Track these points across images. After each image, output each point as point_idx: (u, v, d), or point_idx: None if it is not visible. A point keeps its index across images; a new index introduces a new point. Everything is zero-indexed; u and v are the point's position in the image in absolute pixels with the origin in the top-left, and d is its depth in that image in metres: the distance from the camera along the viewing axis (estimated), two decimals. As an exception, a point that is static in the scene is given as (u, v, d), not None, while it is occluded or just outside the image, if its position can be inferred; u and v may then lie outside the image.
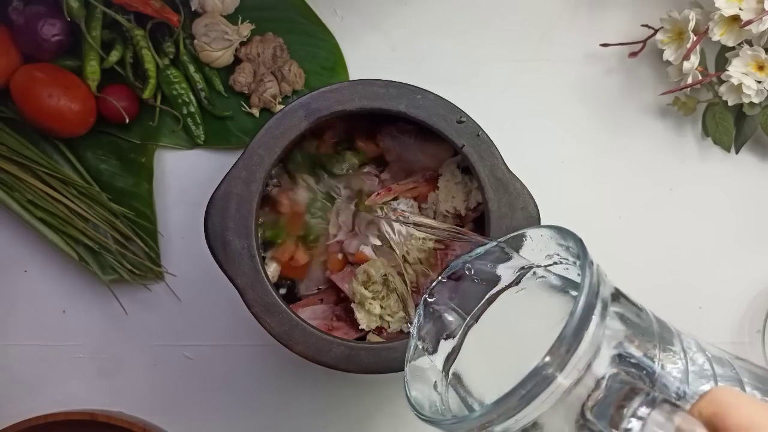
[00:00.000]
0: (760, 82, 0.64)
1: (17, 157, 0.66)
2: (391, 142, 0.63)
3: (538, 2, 0.69)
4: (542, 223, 0.59)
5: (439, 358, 0.46)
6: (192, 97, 0.68)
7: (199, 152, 0.69)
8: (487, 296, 0.46)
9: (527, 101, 0.69)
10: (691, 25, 0.63)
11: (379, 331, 0.62)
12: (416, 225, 0.53)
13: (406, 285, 0.54)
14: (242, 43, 0.68)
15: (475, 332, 0.46)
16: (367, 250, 0.63)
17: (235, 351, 0.69)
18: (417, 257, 0.60)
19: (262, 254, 0.63)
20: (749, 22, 0.62)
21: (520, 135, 0.68)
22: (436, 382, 0.46)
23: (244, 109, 0.68)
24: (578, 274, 0.39)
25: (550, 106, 0.69)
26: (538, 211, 0.58)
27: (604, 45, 0.68)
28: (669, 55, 0.66)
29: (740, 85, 0.64)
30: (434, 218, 0.63)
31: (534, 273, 0.46)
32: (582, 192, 0.69)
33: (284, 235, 0.63)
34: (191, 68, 0.68)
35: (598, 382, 0.37)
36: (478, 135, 0.58)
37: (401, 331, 0.61)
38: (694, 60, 0.64)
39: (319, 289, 0.65)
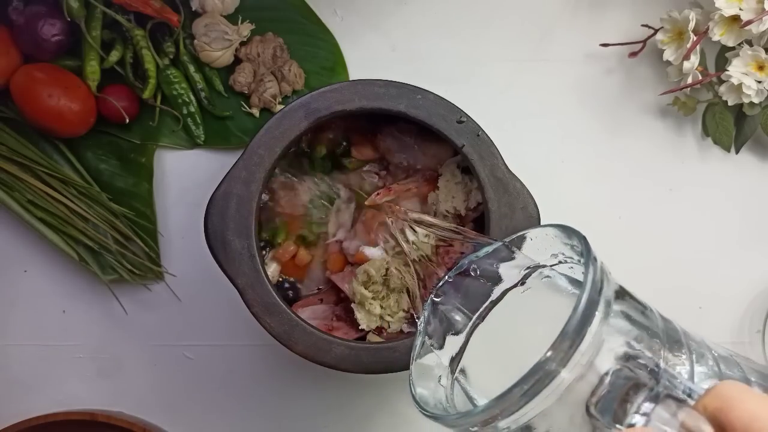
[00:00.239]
0: (760, 82, 0.64)
1: (17, 157, 0.66)
2: (392, 142, 0.64)
3: (538, 2, 0.69)
4: (543, 223, 0.59)
5: (445, 356, 0.46)
6: (192, 97, 0.68)
7: (199, 152, 0.69)
8: (493, 296, 0.46)
9: (527, 101, 0.69)
10: (691, 25, 0.63)
11: (379, 331, 0.62)
12: (417, 223, 0.53)
13: (416, 281, 0.54)
14: (242, 43, 0.68)
15: (481, 331, 0.46)
16: (367, 251, 0.63)
17: (235, 351, 0.69)
18: (422, 254, 0.59)
19: (263, 254, 0.63)
20: (749, 22, 0.62)
21: (520, 135, 0.68)
22: (442, 379, 0.45)
23: (244, 109, 0.68)
24: (583, 272, 0.39)
25: (550, 106, 0.69)
26: (538, 211, 0.58)
27: (604, 45, 0.68)
28: (669, 55, 0.66)
29: (740, 85, 0.64)
30: (434, 218, 0.63)
31: (539, 273, 0.46)
32: (582, 192, 0.69)
33: (284, 235, 0.63)
34: (191, 68, 0.68)
35: (601, 378, 0.37)
36: (478, 135, 0.58)
37: (401, 331, 0.61)
38: (694, 60, 0.64)
39: (319, 289, 0.65)
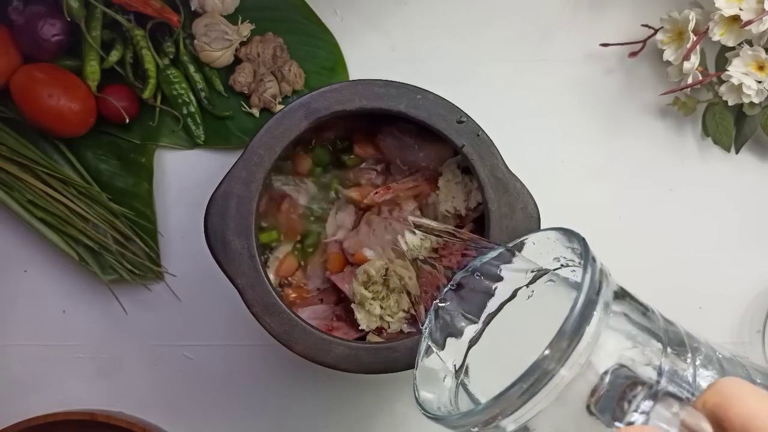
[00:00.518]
0: (760, 82, 0.64)
1: (17, 157, 0.66)
2: (392, 142, 0.63)
3: (538, 2, 0.69)
4: (543, 224, 0.59)
5: (450, 361, 0.46)
6: (192, 97, 0.68)
7: (199, 152, 0.69)
8: (497, 301, 0.47)
9: (527, 101, 0.69)
10: (691, 25, 0.63)
11: (379, 331, 0.62)
12: (418, 226, 0.53)
13: (419, 285, 0.54)
14: (242, 43, 0.68)
15: (485, 336, 0.46)
16: (368, 252, 0.63)
17: (235, 351, 0.69)
18: (423, 256, 0.59)
19: (266, 255, 0.63)
20: (749, 22, 0.62)
21: (520, 135, 0.68)
22: (446, 383, 0.46)
23: (244, 109, 0.68)
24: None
25: (550, 106, 0.69)
26: (538, 211, 0.58)
27: (604, 45, 0.68)
28: (669, 55, 0.66)
29: (740, 85, 0.64)
30: (435, 218, 0.63)
31: (543, 277, 0.46)
32: (582, 192, 0.69)
33: (282, 236, 0.63)
34: (191, 68, 0.68)
35: (601, 377, 0.37)
36: (478, 135, 0.58)
37: (401, 331, 0.61)
38: (694, 60, 0.64)
39: (319, 289, 0.65)
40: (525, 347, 0.44)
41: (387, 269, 0.61)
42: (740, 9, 0.62)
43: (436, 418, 0.42)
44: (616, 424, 0.36)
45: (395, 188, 0.63)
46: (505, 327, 0.46)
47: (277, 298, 0.57)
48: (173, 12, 0.66)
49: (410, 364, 0.57)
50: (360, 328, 0.61)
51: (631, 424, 0.35)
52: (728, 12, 0.62)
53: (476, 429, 0.39)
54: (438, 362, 0.47)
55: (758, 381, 0.42)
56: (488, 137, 0.58)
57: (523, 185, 0.58)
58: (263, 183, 0.58)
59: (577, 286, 0.39)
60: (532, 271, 0.47)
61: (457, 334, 0.47)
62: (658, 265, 0.69)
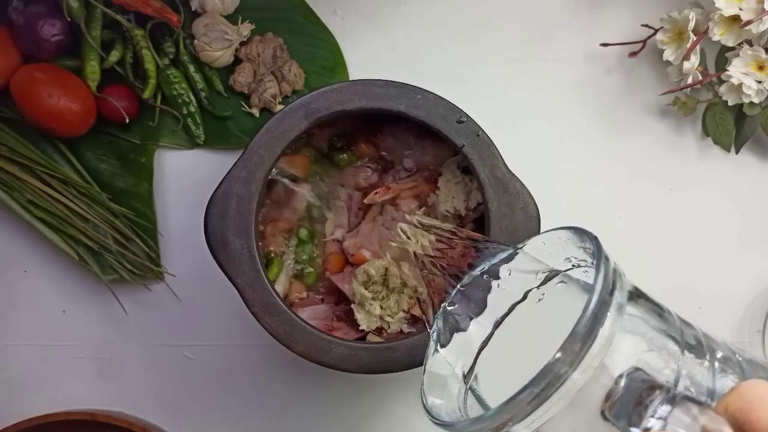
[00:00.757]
0: (760, 82, 0.64)
1: (17, 157, 0.66)
2: (392, 142, 0.64)
3: (538, 2, 0.69)
4: (543, 224, 0.59)
5: (459, 365, 0.45)
6: (192, 97, 0.68)
7: (199, 152, 0.69)
8: (507, 303, 0.45)
9: (527, 101, 0.69)
10: (691, 25, 0.63)
11: (379, 331, 0.62)
12: (426, 227, 0.52)
13: (425, 285, 0.52)
14: (242, 43, 0.68)
15: (495, 339, 0.45)
16: (367, 252, 0.63)
17: (235, 351, 0.69)
18: (429, 256, 0.58)
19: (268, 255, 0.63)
20: (749, 22, 0.62)
21: (520, 135, 0.68)
22: (455, 388, 0.44)
23: (244, 109, 0.68)
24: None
25: (550, 106, 0.69)
26: (538, 211, 0.58)
27: (604, 45, 0.68)
28: (669, 55, 0.66)
29: (740, 85, 0.64)
30: (435, 219, 0.63)
31: (554, 278, 0.45)
32: (582, 192, 0.69)
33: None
34: (191, 68, 0.68)
35: (616, 381, 0.36)
36: (478, 135, 0.58)
37: (401, 331, 0.61)
38: (694, 60, 0.64)
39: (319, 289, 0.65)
40: (536, 351, 0.42)
41: (387, 269, 0.61)
42: (740, 9, 0.62)
43: (444, 425, 0.41)
44: (633, 430, 0.35)
45: (395, 188, 0.63)
46: (516, 330, 0.45)
47: (277, 298, 0.57)
48: (173, 12, 0.66)
49: (410, 364, 0.57)
50: (360, 328, 0.61)
51: (648, 430, 0.34)
52: (728, 12, 0.62)
53: None
54: (446, 366, 0.45)
55: None
56: (488, 137, 0.58)
57: (523, 185, 0.58)
58: (263, 183, 0.58)
59: (589, 288, 0.38)
60: (542, 272, 0.45)
61: (467, 337, 0.46)
62: (658, 265, 0.69)
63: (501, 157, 0.58)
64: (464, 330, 0.46)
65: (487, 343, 0.45)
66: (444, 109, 0.58)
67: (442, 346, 0.46)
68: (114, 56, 0.66)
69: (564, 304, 0.44)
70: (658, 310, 0.41)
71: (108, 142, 0.68)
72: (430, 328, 0.48)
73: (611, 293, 0.37)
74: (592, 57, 0.69)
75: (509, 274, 0.47)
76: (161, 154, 0.69)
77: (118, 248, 0.67)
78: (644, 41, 0.67)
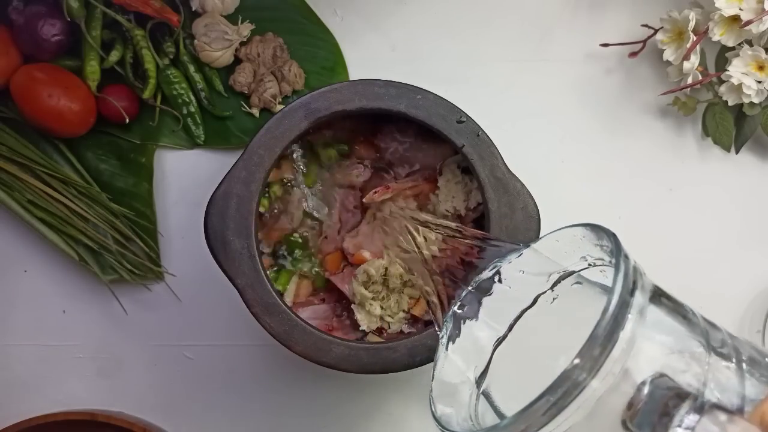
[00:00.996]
0: (760, 82, 0.64)
1: (17, 157, 0.66)
2: (391, 142, 0.64)
3: (538, 2, 0.69)
4: (543, 224, 0.59)
5: (470, 371, 0.43)
6: (192, 97, 0.68)
7: (199, 152, 0.69)
8: (520, 305, 0.43)
9: (527, 101, 0.69)
10: (691, 25, 0.63)
11: (379, 331, 0.62)
12: (434, 226, 0.50)
13: (433, 286, 0.51)
14: (242, 43, 0.68)
15: (508, 343, 0.43)
16: (366, 252, 0.63)
17: (235, 351, 0.69)
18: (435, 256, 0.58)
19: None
20: (749, 22, 0.62)
21: (520, 135, 0.68)
22: (466, 396, 0.42)
23: (244, 109, 0.68)
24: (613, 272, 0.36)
25: (550, 106, 0.69)
26: (538, 211, 0.58)
27: (604, 45, 0.68)
28: (669, 55, 0.66)
29: (740, 85, 0.64)
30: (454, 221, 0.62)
31: (569, 278, 0.43)
32: (582, 192, 0.69)
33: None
34: (191, 68, 0.68)
35: (638, 388, 0.34)
36: (478, 135, 0.58)
37: (401, 331, 0.61)
38: (694, 60, 0.64)
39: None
40: (552, 354, 0.40)
41: (387, 269, 0.61)
42: (740, 9, 0.62)
43: None
44: None
45: (395, 188, 0.63)
46: (530, 332, 0.43)
47: (277, 298, 0.57)
48: (173, 12, 0.66)
49: (410, 364, 0.57)
50: (360, 328, 0.61)
51: None
52: (728, 12, 0.62)
53: None
54: (457, 372, 0.43)
55: None
56: (488, 137, 0.58)
57: (523, 185, 0.58)
58: (263, 183, 0.58)
59: (608, 288, 0.35)
60: (557, 273, 0.43)
61: (478, 341, 0.43)
62: (658, 265, 0.68)
63: (501, 157, 0.58)
64: (476, 333, 0.44)
65: (499, 346, 0.43)
66: (444, 109, 0.58)
67: (453, 350, 0.44)
68: (114, 56, 0.66)
69: (580, 305, 0.42)
70: (681, 310, 0.38)
71: (108, 142, 0.68)
72: (440, 331, 0.45)
73: (632, 293, 0.35)
74: (592, 57, 0.69)
75: (522, 274, 0.44)
76: (161, 154, 0.69)
77: (118, 248, 0.67)
78: (644, 41, 0.67)
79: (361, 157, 0.64)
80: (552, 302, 0.42)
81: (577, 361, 0.33)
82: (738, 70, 0.64)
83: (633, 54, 0.68)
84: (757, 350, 0.38)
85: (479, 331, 0.44)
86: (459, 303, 0.45)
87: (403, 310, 0.61)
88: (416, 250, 0.48)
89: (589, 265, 0.43)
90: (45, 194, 0.66)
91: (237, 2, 0.67)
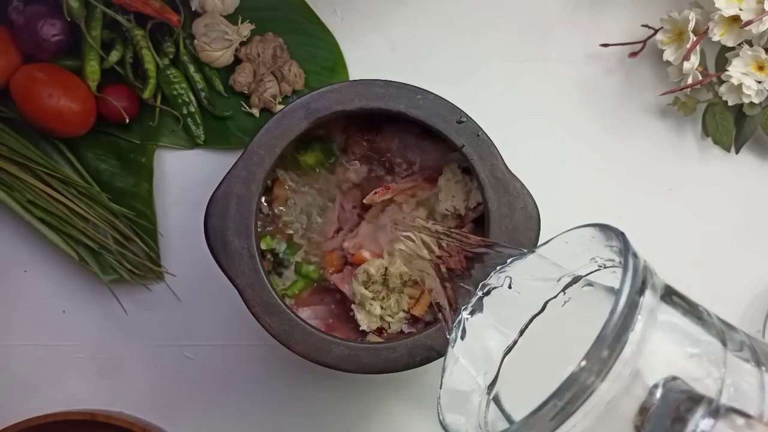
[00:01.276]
0: (760, 82, 0.64)
1: (17, 157, 0.66)
2: (391, 142, 0.64)
3: (538, 2, 0.69)
4: (543, 225, 0.59)
5: (481, 376, 0.42)
6: (192, 97, 0.68)
7: (199, 152, 0.69)
8: (530, 310, 0.42)
9: (527, 101, 0.69)
10: (691, 25, 0.63)
11: (379, 331, 0.62)
12: (438, 234, 0.49)
13: (442, 288, 0.50)
14: (242, 43, 0.68)
15: (519, 348, 0.42)
16: (366, 252, 0.63)
17: (235, 351, 0.69)
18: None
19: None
20: (749, 22, 0.62)
21: (520, 135, 0.68)
22: (475, 404, 0.41)
23: (244, 109, 0.68)
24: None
25: (550, 106, 0.69)
26: (538, 211, 0.58)
27: (604, 45, 0.68)
28: (669, 55, 0.66)
29: (740, 85, 0.64)
30: (434, 218, 0.63)
31: (579, 282, 0.42)
32: (582, 192, 0.69)
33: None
34: (191, 68, 0.68)
35: (650, 392, 0.33)
36: (478, 135, 0.58)
37: (401, 331, 0.61)
38: (694, 60, 0.64)
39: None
40: (564, 360, 0.38)
41: (387, 269, 0.61)
42: (740, 9, 0.62)
43: None
44: None
45: (395, 188, 0.63)
46: (541, 337, 0.41)
47: (277, 298, 0.57)
48: (173, 12, 0.66)
49: (410, 364, 0.57)
50: (360, 328, 0.61)
51: None
52: (728, 12, 0.62)
53: None
54: (467, 380, 0.42)
55: None
56: (488, 137, 0.58)
57: (523, 185, 0.58)
58: (263, 183, 0.58)
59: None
60: (567, 276, 0.42)
61: (487, 348, 0.42)
62: (657, 265, 0.68)
63: (501, 157, 0.58)
64: (486, 339, 0.43)
65: (510, 352, 0.42)
66: (444, 109, 0.58)
67: (463, 357, 0.43)
68: (114, 56, 0.66)
69: (591, 308, 0.41)
70: (695, 311, 0.37)
71: (108, 142, 0.68)
72: (450, 336, 0.45)
73: (641, 292, 0.34)
74: (592, 57, 0.69)
75: (532, 279, 0.43)
76: (161, 154, 0.69)
77: (118, 248, 0.67)
78: (644, 41, 0.67)
79: (361, 157, 0.64)
80: (563, 306, 0.41)
81: (584, 363, 0.32)
82: (738, 70, 0.64)
83: (633, 54, 0.68)
84: None
85: (489, 337, 0.43)
86: (470, 309, 0.44)
87: (403, 310, 0.61)
88: (427, 258, 0.47)
89: (600, 266, 0.42)
90: (45, 194, 0.66)
91: (237, 2, 0.67)
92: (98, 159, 0.68)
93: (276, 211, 0.63)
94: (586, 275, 0.42)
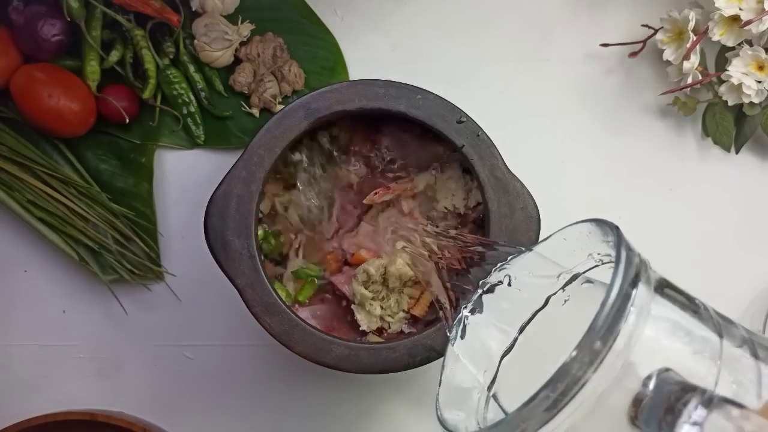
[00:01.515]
0: (760, 82, 0.64)
1: (17, 157, 0.66)
2: (391, 142, 0.64)
3: (538, 2, 0.69)
4: (543, 225, 0.59)
5: (481, 374, 0.42)
6: (192, 97, 0.68)
7: (199, 152, 0.69)
8: (531, 307, 0.42)
9: (527, 101, 0.69)
10: (691, 25, 0.63)
11: (379, 331, 0.62)
12: (435, 235, 0.49)
13: (443, 287, 0.50)
14: (242, 43, 0.68)
15: (519, 346, 0.42)
16: (366, 253, 0.63)
17: (235, 351, 0.69)
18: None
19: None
20: (749, 22, 0.62)
21: (520, 135, 0.68)
22: (474, 401, 0.41)
23: (244, 109, 0.68)
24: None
25: (550, 106, 0.69)
26: (537, 211, 0.58)
27: (604, 45, 0.68)
28: (669, 55, 0.66)
29: (740, 85, 0.64)
30: (433, 218, 0.63)
31: (578, 279, 0.42)
32: (582, 192, 0.69)
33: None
34: (191, 68, 0.68)
35: (644, 383, 0.33)
36: (478, 135, 0.58)
37: (401, 331, 0.61)
38: (694, 60, 0.64)
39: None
40: (564, 357, 0.38)
41: (386, 268, 0.61)
42: (740, 9, 0.62)
43: None
44: None
45: (395, 188, 0.63)
46: (542, 335, 0.41)
47: (277, 298, 0.57)
48: (173, 12, 0.66)
49: (410, 364, 0.57)
50: (360, 328, 0.61)
51: None
52: (728, 12, 0.62)
53: None
54: (467, 377, 0.42)
55: None
56: (488, 137, 0.58)
57: (523, 185, 0.58)
58: (263, 183, 0.58)
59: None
60: (566, 273, 0.42)
61: (488, 346, 0.42)
62: (657, 265, 0.68)
63: (501, 157, 0.58)
64: (487, 337, 0.43)
65: (510, 350, 0.42)
66: (444, 109, 0.58)
67: (464, 354, 0.43)
68: (114, 56, 0.66)
69: (591, 305, 0.40)
70: (691, 304, 0.37)
71: (108, 142, 0.68)
72: (450, 334, 0.45)
73: (634, 284, 0.34)
74: (592, 57, 0.69)
75: (531, 277, 0.44)
76: (161, 154, 0.69)
77: (118, 248, 0.67)
78: (644, 41, 0.67)
79: (360, 157, 0.64)
80: (564, 304, 0.41)
81: (575, 353, 0.32)
82: (738, 70, 0.64)
83: (633, 54, 0.68)
84: None
85: (490, 335, 0.43)
86: (470, 307, 0.44)
87: (403, 310, 0.61)
88: (428, 258, 0.47)
89: (598, 263, 0.42)
90: (45, 194, 0.66)
91: (237, 2, 0.67)
92: (98, 159, 0.68)
93: (278, 210, 0.63)
94: (585, 272, 0.42)
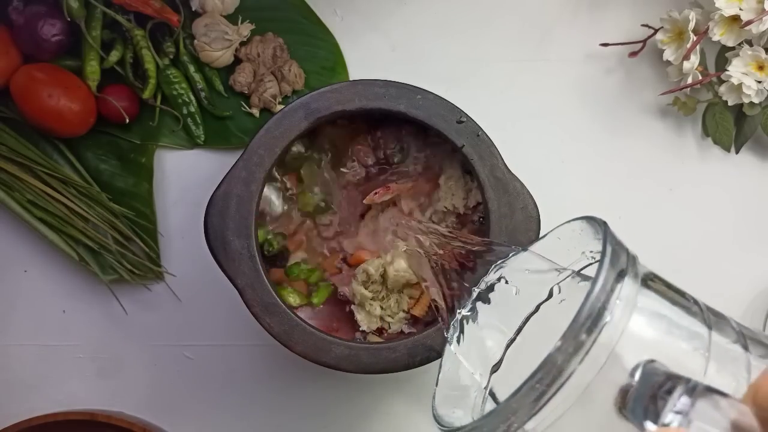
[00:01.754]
0: (760, 82, 0.64)
1: (17, 157, 0.66)
2: (391, 142, 0.63)
3: (538, 2, 0.69)
4: (543, 224, 0.59)
5: (478, 374, 0.42)
6: (192, 97, 0.68)
7: (199, 152, 0.69)
8: (527, 306, 0.42)
9: (527, 101, 0.69)
10: (691, 25, 0.63)
11: (379, 331, 0.62)
12: (432, 234, 0.50)
13: (440, 288, 0.50)
14: (242, 43, 0.68)
15: (517, 345, 0.42)
16: (366, 253, 0.62)
17: (235, 351, 0.69)
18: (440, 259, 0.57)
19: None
20: (749, 22, 0.62)
21: (520, 135, 0.68)
22: (472, 399, 0.42)
23: (244, 109, 0.68)
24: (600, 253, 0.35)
25: (550, 106, 0.69)
26: (537, 211, 0.58)
27: (604, 45, 0.68)
28: (669, 55, 0.66)
29: (740, 85, 0.64)
30: (434, 219, 0.63)
31: (573, 277, 0.42)
32: (582, 192, 0.69)
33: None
34: (191, 68, 0.68)
35: (631, 374, 0.33)
36: (478, 135, 0.58)
37: (401, 331, 0.61)
38: (694, 60, 0.64)
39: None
40: None
41: (386, 268, 0.61)
42: (740, 9, 0.62)
43: (450, 430, 0.38)
44: (648, 425, 0.31)
45: (395, 188, 0.63)
46: (538, 333, 0.42)
47: (277, 298, 0.57)
48: (173, 12, 0.66)
49: (410, 364, 0.57)
50: (360, 328, 0.61)
51: (665, 426, 0.30)
52: (728, 12, 0.62)
53: None
54: (464, 375, 0.43)
55: None
56: (488, 137, 0.58)
57: (523, 185, 0.58)
58: (263, 183, 0.58)
59: None
60: (562, 271, 0.42)
61: (486, 346, 0.43)
62: (657, 265, 0.68)
63: (501, 157, 0.58)
64: (484, 336, 0.44)
65: (507, 349, 0.42)
66: (444, 109, 0.58)
67: (461, 353, 0.44)
68: (114, 56, 0.66)
69: None
70: (679, 298, 0.37)
71: (108, 142, 0.69)
72: (447, 333, 0.45)
73: (621, 276, 0.34)
74: (592, 57, 0.69)
75: (528, 275, 0.44)
76: (161, 154, 0.69)
77: (118, 248, 0.67)
78: (644, 41, 0.67)
79: (360, 157, 0.64)
80: (560, 302, 0.42)
81: (559, 344, 0.32)
82: (738, 70, 0.64)
83: (633, 54, 0.68)
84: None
85: (487, 334, 0.44)
86: (468, 307, 0.45)
87: (403, 310, 0.61)
88: (425, 258, 0.48)
89: (591, 260, 0.42)
90: (45, 194, 0.66)
91: (237, 2, 0.67)
92: (98, 159, 0.68)
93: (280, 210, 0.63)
94: (580, 270, 0.42)
